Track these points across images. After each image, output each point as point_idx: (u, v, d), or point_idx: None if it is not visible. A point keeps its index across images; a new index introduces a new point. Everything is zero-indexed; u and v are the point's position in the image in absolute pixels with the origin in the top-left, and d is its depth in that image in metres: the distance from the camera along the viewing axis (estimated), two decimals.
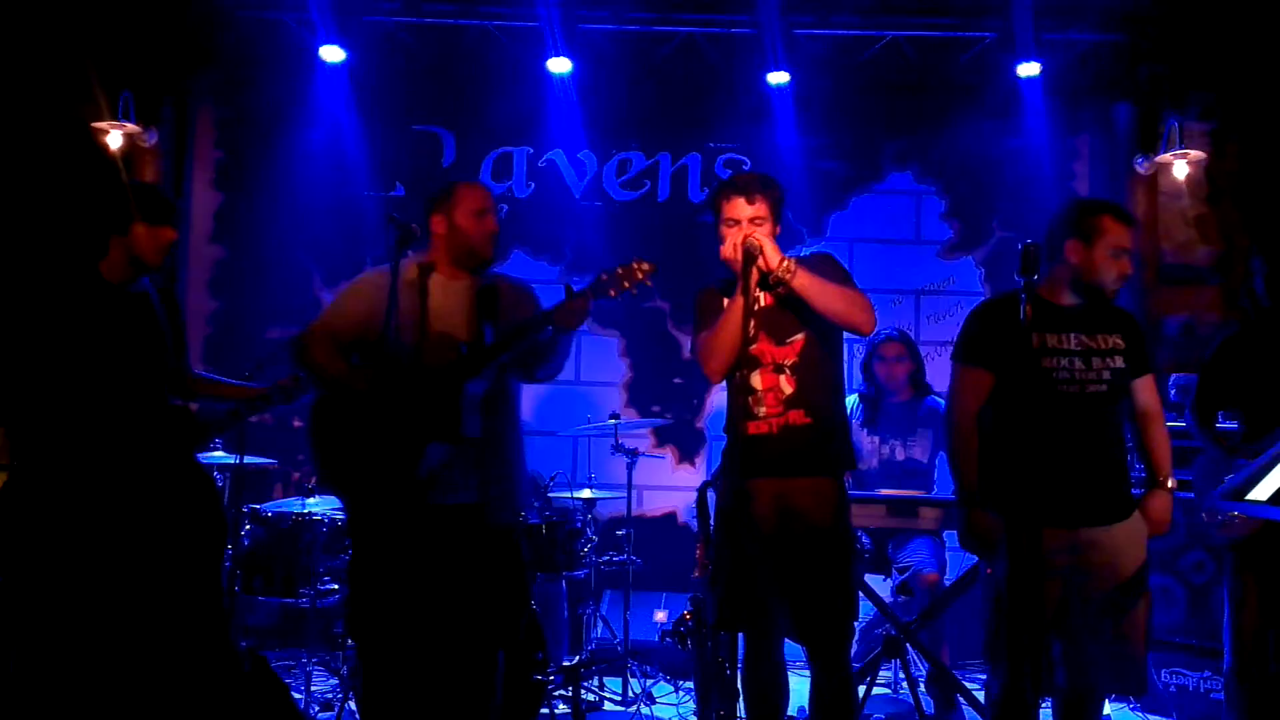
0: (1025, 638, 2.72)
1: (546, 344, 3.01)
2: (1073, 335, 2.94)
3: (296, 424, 5.58)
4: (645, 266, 2.91)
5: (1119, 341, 2.97)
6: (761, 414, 3.00)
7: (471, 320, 3.04)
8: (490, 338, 2.98)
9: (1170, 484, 3.00)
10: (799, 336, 3.02)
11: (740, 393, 2.90)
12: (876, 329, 3.24)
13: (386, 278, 2.95)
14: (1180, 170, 5.43)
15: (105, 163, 5.20)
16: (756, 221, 2.97)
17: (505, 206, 5.66)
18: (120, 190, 3.18)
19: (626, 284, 2.91)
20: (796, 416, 2.99)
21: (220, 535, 3.30)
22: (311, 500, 4.37)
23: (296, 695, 3.83)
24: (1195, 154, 5.39)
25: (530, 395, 5.48)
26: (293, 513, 4.26)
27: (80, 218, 3.43)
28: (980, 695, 3.86)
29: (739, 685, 2.89)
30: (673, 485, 5.55)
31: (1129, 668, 2.93)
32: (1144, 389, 3.04)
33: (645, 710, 4.23)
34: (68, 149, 5.17)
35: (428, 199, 3.18)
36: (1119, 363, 2.95)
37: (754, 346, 2.98)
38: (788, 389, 3.00)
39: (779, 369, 3.02)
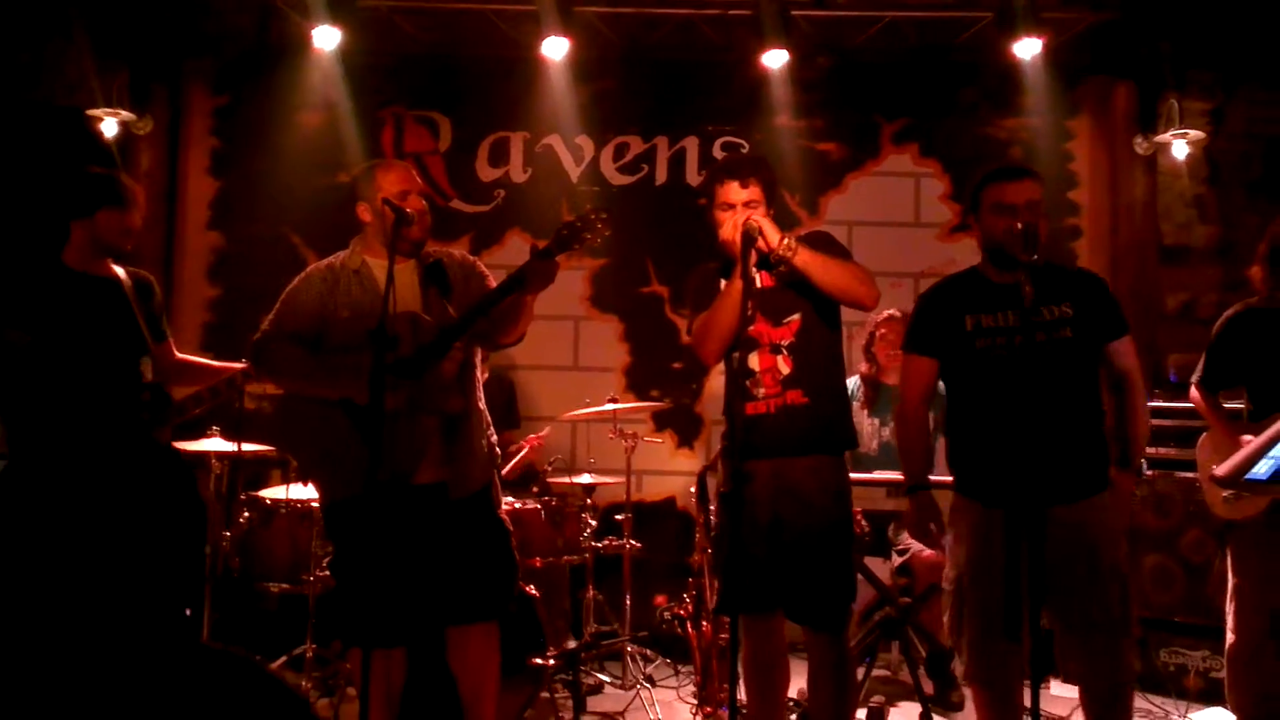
0: (988, 624, 2.73)
1: (511, 308, 2.96)
2: (1010, 312, 2.82)
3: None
4: (603, 215, 2.88)
5: (1067, 310, 2.83)
6: (760, 395, 2.99)
7: (424, 300, 3.02)
8: (455, 312, 2.96)
9: (1138, 464, 2.96)
10: (795, 317, 3.01)
11: (738, 374, 2.88)
12: (881, 301, 3.21)
13: (331, 270, 3.05)
14: (1180, 150, 5.40)
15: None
16: (751, 205, 2.97)
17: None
18: (82, 175, 3.17)
19: (587, 235, 2.88)
20: (794, 396, 2.98)
21: (196, 521, 3.28)
22: (309, 487, 4.35)
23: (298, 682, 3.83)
24: (1195, 134, 5.36)
25: (529, 380, 5.51)
26: (291, 500, 4.25)
27: (41, 204, 3.41)
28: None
29: (739, 668, 2.89)
30: (672, 470, 5.55)
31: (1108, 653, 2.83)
32: (1118, 354, 2.89)
33: (645, 693, 4.23)
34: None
35: (352, 186, 3.17)
36: (1066, 333, 2.82)
37: (751, 328, 2.97)
38: (785, 369, 3.00)
39: (776, 349, 3.01)
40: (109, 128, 5.26)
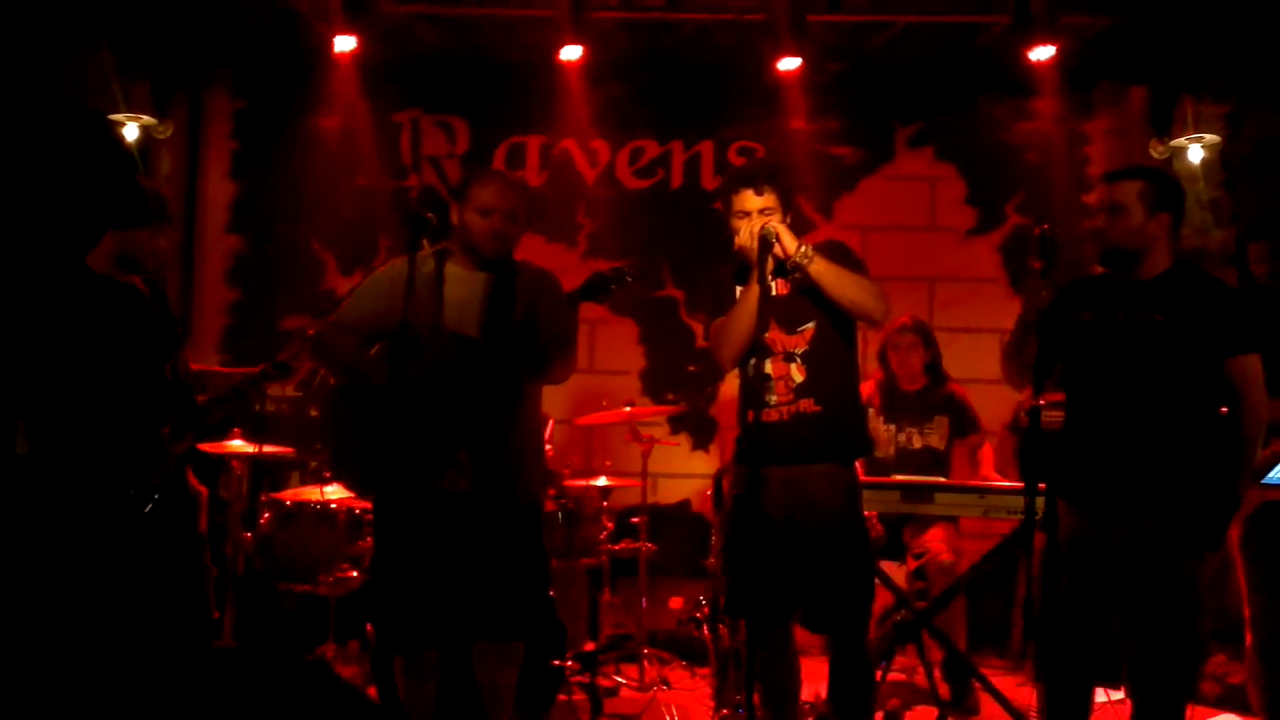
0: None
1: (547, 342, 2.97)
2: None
3: (314, 413, 5.62)
4: (633, 272, 2.95)
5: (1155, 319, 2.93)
6: (772, 402, 3.01)
7: (484, 312, 3.02)
8: (500, 331, 2.97)
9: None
10: (810, 325, 3.03)
11: (753, 380, 2.90)
12: (890, 317, 3.24)
13: (405, 267, 2.98)
14: (1195, 154, 5.39)
15: (118, 156, 5.21)
16: (766, 212, 2.98)
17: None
18: (138, 189, 3.20)
19: (614, 287, 2.93)
20: (807, 405, 3.00)
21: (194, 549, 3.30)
22: (329, 488, 4.39)
23: None
24: (1210, 138, 5.34)
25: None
26: (311, 501, 4.29)
27: (80, 208, 3.43)
28: (995, 681, 3.87)
29: (755, 670, 2.90)
30: (687, 473, 5.56)
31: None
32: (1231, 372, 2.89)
33: (662, 696, 4.25)
34: (77, 139, 5.17)
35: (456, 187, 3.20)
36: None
37: (765, 335, 2.99)
38: (798, 377, 3.02)
39: (790, 357, 3.03)
40: (130, 132, 5.31)
